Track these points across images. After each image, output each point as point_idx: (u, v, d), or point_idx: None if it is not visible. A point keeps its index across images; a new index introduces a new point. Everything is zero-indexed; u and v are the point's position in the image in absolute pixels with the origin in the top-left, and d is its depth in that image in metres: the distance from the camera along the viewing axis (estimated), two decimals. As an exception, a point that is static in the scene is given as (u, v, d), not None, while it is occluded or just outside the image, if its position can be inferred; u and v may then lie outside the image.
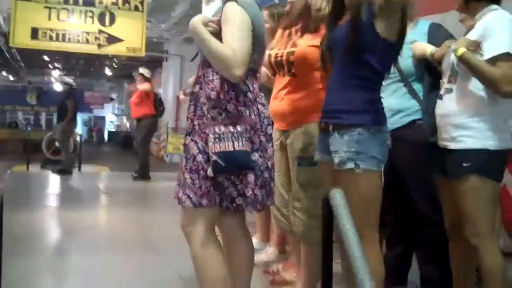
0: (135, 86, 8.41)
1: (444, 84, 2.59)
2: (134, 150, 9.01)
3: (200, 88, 2.30)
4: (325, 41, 2.45)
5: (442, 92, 2.59)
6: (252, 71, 2.28)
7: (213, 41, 2.17)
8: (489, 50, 2.36)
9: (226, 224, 2.44)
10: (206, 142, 2.20)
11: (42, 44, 11.33)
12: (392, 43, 2.25)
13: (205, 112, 2.23)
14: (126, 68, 25.87)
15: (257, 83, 2.33)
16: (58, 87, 31.18)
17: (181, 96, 5.68)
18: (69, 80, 9.55)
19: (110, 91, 34.56)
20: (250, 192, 2.22)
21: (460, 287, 2.71)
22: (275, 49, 2.83)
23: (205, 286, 2.29)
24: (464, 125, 2.46)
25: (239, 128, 2.15)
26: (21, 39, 11.05)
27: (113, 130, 34.92)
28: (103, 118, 37.35)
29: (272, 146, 2.36)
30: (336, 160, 2.27)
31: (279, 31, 2.90)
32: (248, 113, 2.22)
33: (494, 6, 2.50)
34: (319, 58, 2.51)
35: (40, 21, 11.02)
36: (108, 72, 26.81)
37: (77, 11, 11.26)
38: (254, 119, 2.23)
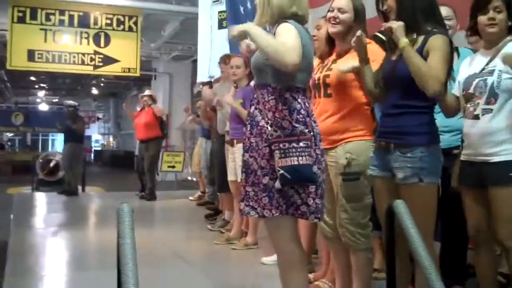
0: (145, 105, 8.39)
1: (480, 105, 2.76)
2: (139, 170, 8.91)
3: (255, 109, 2.50)
4: (379, 72, 2.72)
5: (477, 112, 2.76)
6: (302, 90, 2.48)
7: (265, 36, 2.33)
8: None
9: None
10: (264, 158, 2.40)
11: (39, 65, 11.51)
12: None
13: (263, 130, 2.43)
14: (112, 87, 25.97)
15: (309, 101, 2.53)
16: (44, 107, 31.08)
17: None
18: (72, 102, 9.60)
19: (96, 110, 34.52)
20: (312, 201, 2.41)
21: None
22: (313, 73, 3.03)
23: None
24: (508, 141, 2.67)
25: (301, 143, 2.35)
26: (18, 61, 11.19)
27: (99, 149, 34.86)
28: (88, 137, 37.24)
29: (324, 160, 2.57)
30: (401, 175, 2.55)
31: (317, 60, 3.10)
32: (306, 130, 2.41)
33: None
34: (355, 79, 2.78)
35: (36, 43, 11.16)
36: (94, 91, 26.85)
37: (73, 32, 11.42)
38: (310, 135, 2.43)
